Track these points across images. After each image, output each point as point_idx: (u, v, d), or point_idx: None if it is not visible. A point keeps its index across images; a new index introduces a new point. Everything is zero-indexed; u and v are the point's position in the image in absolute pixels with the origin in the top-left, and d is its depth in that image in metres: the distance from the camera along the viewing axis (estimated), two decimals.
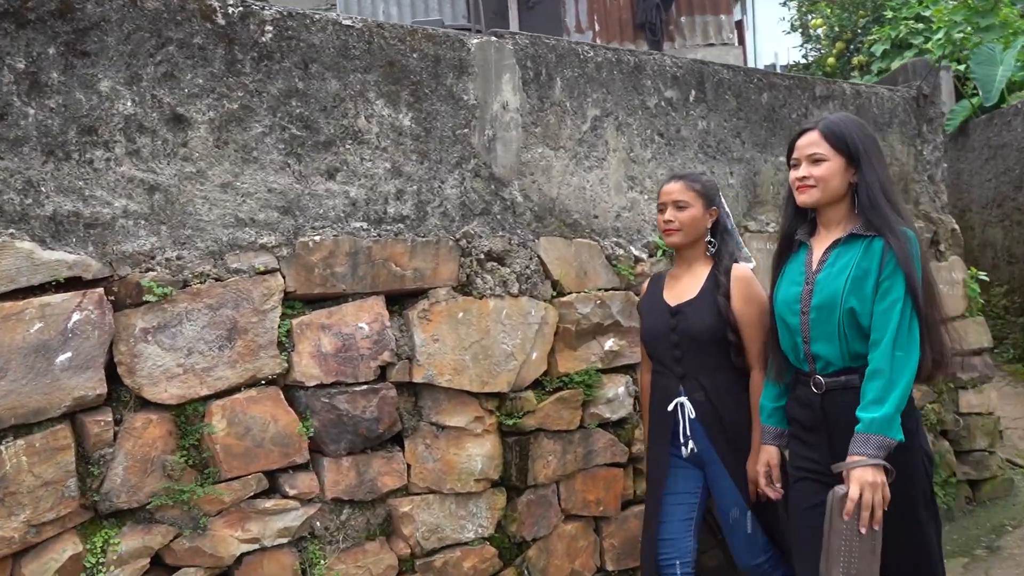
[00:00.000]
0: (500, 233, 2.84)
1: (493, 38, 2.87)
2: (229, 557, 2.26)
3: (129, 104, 2.22)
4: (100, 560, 2.09)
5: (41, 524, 2.03)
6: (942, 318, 1.93)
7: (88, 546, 2.10)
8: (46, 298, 2.07)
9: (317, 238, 2.47)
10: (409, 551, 2.58)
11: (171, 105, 2.27)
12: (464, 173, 2.80)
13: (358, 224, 2.58)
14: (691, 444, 2.41)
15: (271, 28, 2.44)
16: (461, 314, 2.70)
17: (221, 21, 2.36)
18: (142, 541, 2.15)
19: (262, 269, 2.37)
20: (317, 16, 2.54)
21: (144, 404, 2.20)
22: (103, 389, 2.13)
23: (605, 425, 3.03)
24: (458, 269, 2.73)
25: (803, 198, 2.01)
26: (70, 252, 2.12)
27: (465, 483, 2.68)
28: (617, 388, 3.06)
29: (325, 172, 2.52)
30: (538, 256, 2.90)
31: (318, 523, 2.44)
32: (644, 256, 3.21)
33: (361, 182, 2.59)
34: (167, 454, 2.21)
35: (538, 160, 2.96)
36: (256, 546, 2.31)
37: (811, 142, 1.97)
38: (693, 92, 3.45)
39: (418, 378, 2.61)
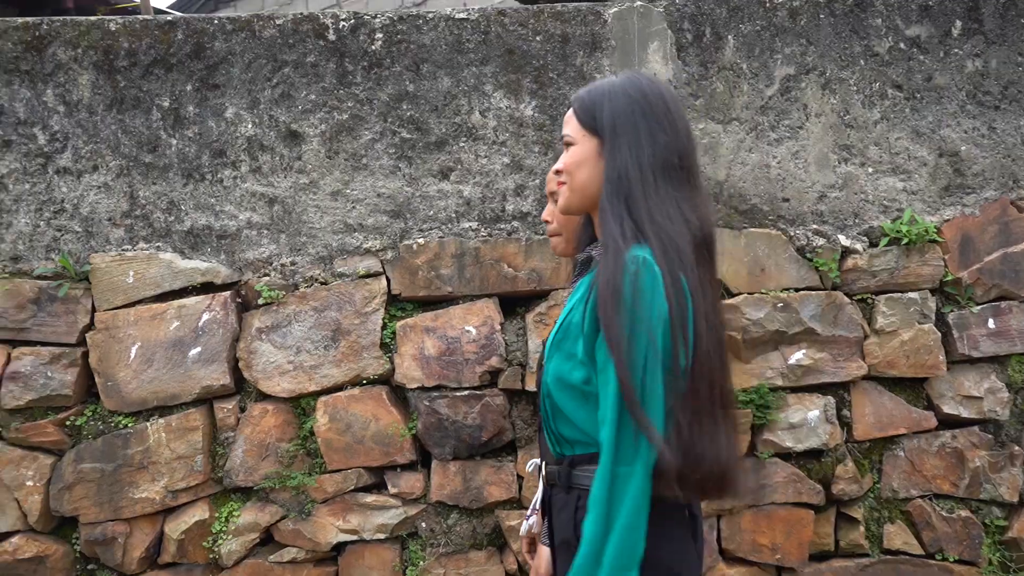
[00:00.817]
0: None
1: (637, 3, 2.52)
2: (327, 544, 2.41)
3: (250, 126, 2.47)
4: (223, 529, 2.41)
5: (177, 491, 2.41)
6: (716, 399, 1.16)
7: (216, 515, 2.43)
8: (183, 300, 2.43)
9: (421, 240, 2.46)
10: (517, 568, 2.45)
11: (286, 123, 2.47)
12: None
13: (468, 224, 2.50)
14: None
15: (381, 35, 2.48)
16: None
17: (332, 37, 2.48)
18: (255, 517, 2.42)
19: (364, 273, 2.45)
20: (429, 15, 2.51)
21: (262, 396, 2.46)
22: (227, 380, 2.43)
23: (787, 456, 2.49)
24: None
25: (559, 202, 1.35)
26: (204, 261, 2.46)
27: None
28: (807, 411, 2.49)
29: (437, 173, 2.50)
30: None
31: (423, 524, 2.46)
32: (860, 247, 2.53)
33: (476, 180, 2.50)
34: (280, 442, 2.43)
35: (699, 138, 2.52)
36: (355, 537, 2.42)
37: (566, 120, 1.32)
38: (958, 23, 2.58)
39: (530, 386, 2.45)
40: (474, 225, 2.50)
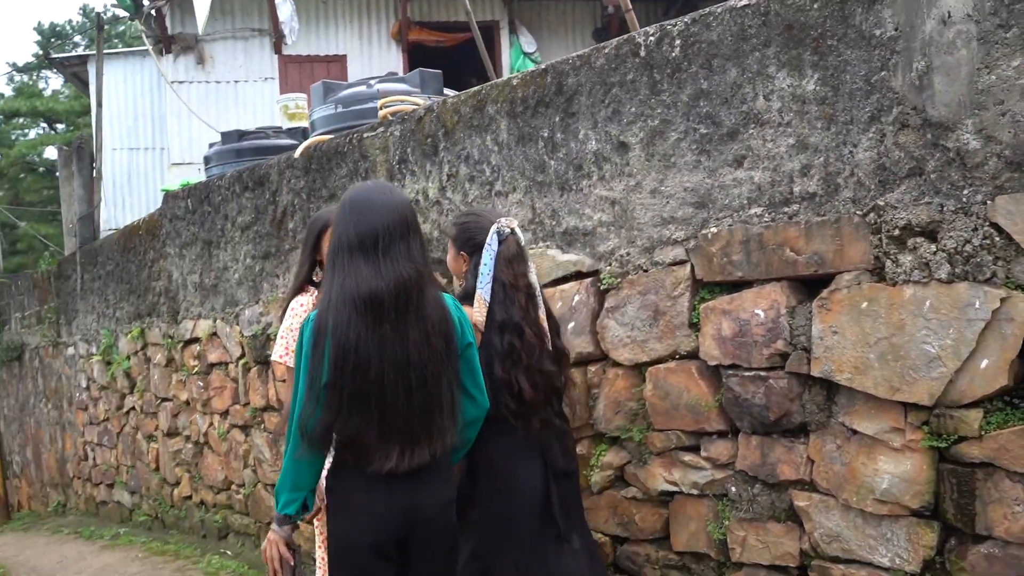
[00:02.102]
0: (926, 199, 2.15)
1: None
2: (655, 490, 2.86)
3: (594, 143, 3.01)
4: (595, 464, 3.09)
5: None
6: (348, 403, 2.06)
7: (593, 451, 3.12)
8: (563, 286, 3.17)
9: (714, 230, 2.64)
10: (810, 547, 2.47)
11: (616, 136, 2.93)
12: (883, 128, 2.25)
13: (754, 211, 2.55)
14: None
15: (679, 41, 2.71)
16: (865, 304, 2.28)
17: (643, 53, 2.82)
18: (611, 459, 3.02)
19: (671, 261, 2.76)
20: (717, 10, 2.61)
21: (614, 363, 3.02)
22: (592, 348, 3.07)
23: None
24: (868, 250, 2.28)
25: None
26: (575, 254, 3.14)
27: (862, 499, 2.30)
28: None
29: (732, 162, 2.61)
30: (991, 225, 2.03)
31: (732, 488, 2.68)
32: None
33: (764, 165, 2.53)
34: (628, 401, 2.97)
35: (1014, 79, 2.01)
36: (675, 488, 2.81)
37: None
38: None
39: (815, 371, 2.40)
40: (759, 211, 2.54)
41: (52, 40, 35.48)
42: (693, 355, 2.76)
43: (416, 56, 8.81)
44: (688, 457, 2.79)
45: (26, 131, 33.53)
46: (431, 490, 2.13)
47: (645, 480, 2.91)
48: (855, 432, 2.35)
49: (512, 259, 2.52)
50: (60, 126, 32.14)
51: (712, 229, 2.65)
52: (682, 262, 2.76)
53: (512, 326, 2.45)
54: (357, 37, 8.63)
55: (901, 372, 2.21)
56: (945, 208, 2.13)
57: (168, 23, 8.06)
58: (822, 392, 2.44)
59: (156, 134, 8.89)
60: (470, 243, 2.58)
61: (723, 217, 2.64)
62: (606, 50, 2.94)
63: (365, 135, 4.08)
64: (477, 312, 2.46)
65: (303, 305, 2.92)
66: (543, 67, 3.21)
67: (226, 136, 6.60)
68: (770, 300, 2.51)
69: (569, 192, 3.13)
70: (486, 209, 2.81)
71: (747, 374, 2.57)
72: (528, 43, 9.04)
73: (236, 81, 8.20)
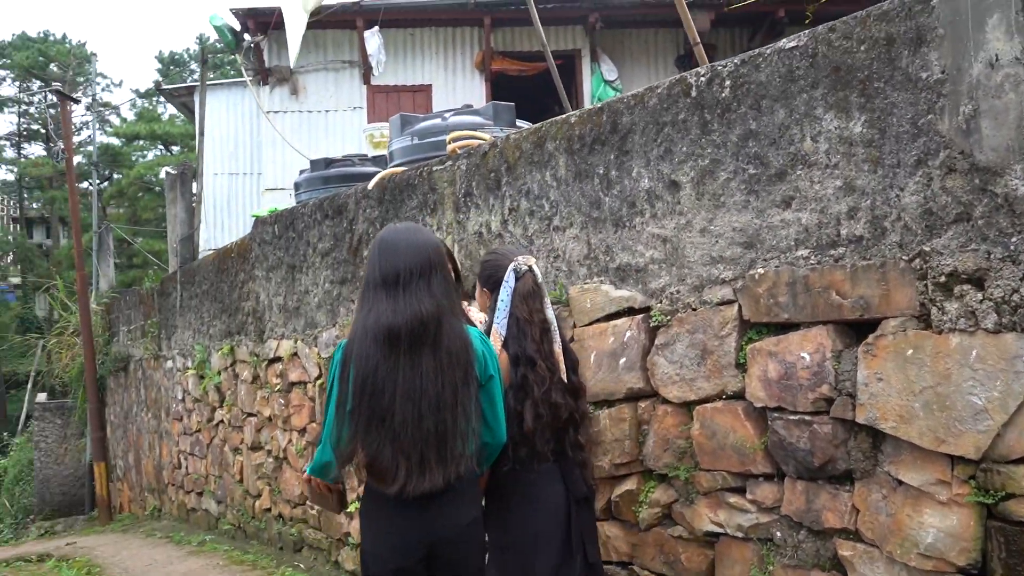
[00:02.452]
0: (973, 246, 2.09)
1: None
2: (699, 530, 2.84)
3: (646, 181, 3.04)
4: (643, 500, 3.09)
5: (617, 464, 3.20)
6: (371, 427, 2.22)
7: (642, 487, 3.13)
8: (616, 321, 3.20)
9: (761, 270, 2.62)
10: None
11: (668, 174, 2.95)
12: (929, 172, 2.20)
13: (800, 253, 2.52)
14: None
15: (728, 82, 2.72)
16: (910, 351, 2.22)
17: (694, 93, 2.84)
18: (659, 495, 3.02)
19: (719, 300, 2.76)
20: (766, 51, 2.61)
21: (663, 400, 3.02)
22: (642, 384, 3.09)
23: None
24: (914, 296, 2.23)
25: None
26: (627, 290, 3.16)
27: (906, 552, 2.23)
28: None
29: (780, 203, 2.60)
30: None
31: (777, 533, 2.64)
32: None
33: (812, 207, 2.51)
34: (677, 438, 2.97)
35: None
36: (721, 530, 2.78)
37: None
38: None
39: (860, 418, 2.35)
40: (805, 253, 2.51)
41: (171, 67, 37.77)
42: (740, 396, 2.74)
43: (499, 85, 9.01)
44: (734, 499, 2.76)
45: (145, 153, 35.74)
46: (450, 512, 2.25)
47: (691, 520, 2.90)
48: (901, 482, 2.29)
49: (528, 295, 2.63)
50: (175, 148, 34.12)
51: (759, 270, 2.64)
52: (730, 302, 2.75)
53: (525, 359, 2.57)
54: (442, 67, 8.89)
55: (947, 423, 2.14)
56: (992, 255, 2.06)
57: (265, 56, 8.54)
58: (868, 439, 2.39)
59: (253, 160, 9.39)
60: (491, 280, 2.71)
61: (770, 258, 2.63)
62: (659, 90, 2.97)
63: (434, 168, 4.22)
64: (493, 346, 2.57)
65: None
66: (599, 106, 3.26)
67: (314, 163, 6.91)
68: (816, 343, 2.48)
69: (623, 229, 3.16)
70: (508, 248, 2.95)
71: (792, 418, 2.54)
72: (609, 71, 9.09)
73: (327, 111, 8.60)
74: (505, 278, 2.66)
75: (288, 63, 8.24)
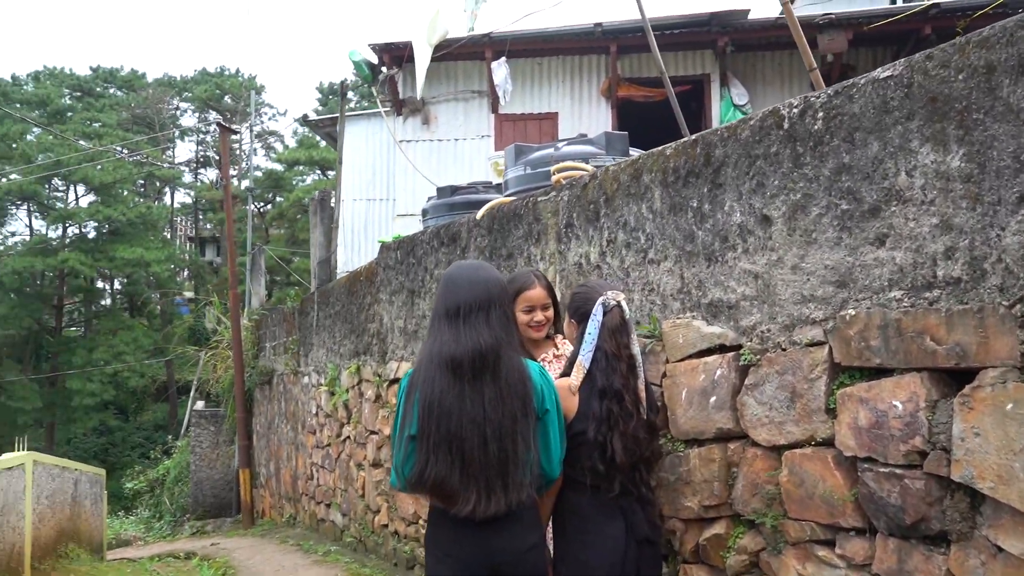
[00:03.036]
0: None
1: None
2: None
3: (738, 215, 2.95)
4: (731, 546, 2.98)
5: (706, 506, 3.10)
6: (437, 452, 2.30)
7: (730, 532, 3.01)
8: (707, 359, 3.11)
9: (852, 312, 2.48)
10: None
11: (760, 208, 2.86)
12: None
13: (893, 294, 2.37)
14: None
15: (821, 113, 2.61)
16: (1010, 405, 2.04)
17: (786, 125, 2.74)
18: (748, 542, 2.89)
19: (809, 341, 2.63)
20: (860, 81, 2.49)
21: (753, 443, 2.91)
22: (732, 424, 2.98)
23: None
24: (1015, 345, 2.04)
25: None
26: (719, 327, 3.08)
27: None
28: None
29: (874, 240, 2.46)
30: None
31: None
32: None
33: (906, 245, 2.36)
34: (766, 484, 2.84)
35: None
36: None
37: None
38: None
39: (955, 475, 2.17)
40: (899, 294, 2.36)
41: (329, 97, 40.18)
42: (829, 443, 2.59)
43: (625, 112, 8.98)
44: (823, 552, 2.61)
45: (304, 177, 38.16)
46: (511, 537, 2.30)
47: (779, 570, 2.76)
48: (1001, 549, 2.09)
49: (616, 330, 2.65)
50: (331, 173, 36.20)
51: (850, 311, 2.50)
52: (820, 343, 2.62)
53: (613, 393, 2.57)
54: (568, 95, 8.99)
55: None
56: None
57: (400, 88, 8.96)
58: (966, 499, 2.20)
59: (389, 187, 9.83)
60: (579, 312, 2.74)
61: (863, 298, 2.48)
62: (751, 122, 2.89)
63: (539, 199, 4.28)
64: (574, 377, 2.57)
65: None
66: (693, 138, 3.21)
67: (440, 191, 7.15)
68: (909, 392, 2.31)
69: (715, 263, 3.08)
70: (598, 281, 2.97)
71: (883, 470, 2.38)
72: (740, 95, 8.84)
73: (456, 139, 8.89)
74: (593, 311, 2.69)
75: (420, 95, 8.61)
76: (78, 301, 36.22)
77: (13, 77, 39.22)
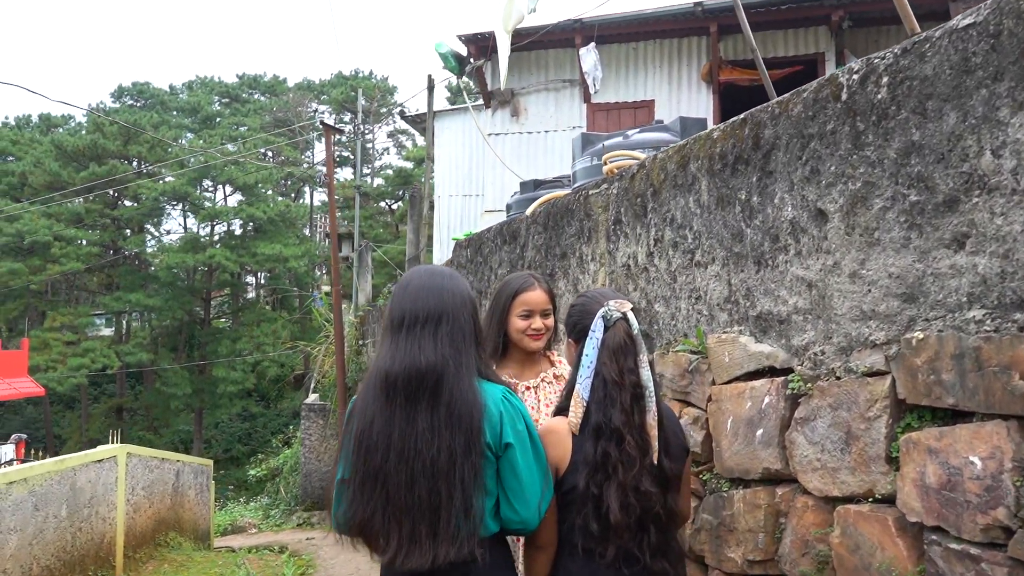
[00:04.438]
0: None
1: None
2: None
3: (790, 209, 2.40)
4: None
5: (748, 560, 2.57)
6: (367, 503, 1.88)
7: None
8: (754, 382, 2.58)
9: (920, 334, 1.91)
10: None
11: (813, 201, 2.30)
12: None
13: (973, 313, 1.78)
14: None
15: (886, 79, 2.04)
16: None
17: (844, 96, 2.18)
18: None
19: (867, 369, 2.06)
20: (935, 34, 1.90)
21: (804, 490, 2.35)
22: (780, 465, 2.44)
23: None
24: None
25: None
26: (768, 345, 2.53)
27: None
28: None
29: (950, 242, 1.88)
30: None
31: None
32: None
33: (991, 249, 1.76)
34: (818, 542, 2.29)
35: None
36: None
37: None
38: None
39: None
40: (980, 314, 1.77)
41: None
42: (891, 500, 2.02)
43: (728, 96, 8.24)
44: None
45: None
46: None
47: None
48: None
49: (617, 350, 2.02)
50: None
51: (918, 333, 1.92)
52: (881, 373, 2.05)
53: (609, 432, 1.97)
54: (666, 81, 8.33)
55: None
56: None
57: (488, 80, 8.61)
58: None
59: (483, 182, 9.53)
60: (576, 329, 2.16)
61: (934, 317, 1.90)
62: (805, 94, 2.33)
63: (591, 192, 3.82)
64: (572, 414, 2.04)
65: None
66: (742, 117, 2.67)
67: (524, 185, 6.78)
68: (990, 445, 1.73)
69: (764, 268, 2.54)
70: (601, 290, 2.29)
71: (955, 546, 1.80)
72: None
73: (546, 131, 8.44)
74: (592, 328, 2.13)
75: (508, 87, 8.24)
76: (225, 294, 38.46)
77: (170, 87, 42.18)
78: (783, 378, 2.44)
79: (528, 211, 4.26)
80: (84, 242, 33.30)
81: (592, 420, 2.03)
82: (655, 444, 2.02)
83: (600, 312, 2.11)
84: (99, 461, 6.56)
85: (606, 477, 1.98)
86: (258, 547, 9.43)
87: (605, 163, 3.81)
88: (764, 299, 2.55)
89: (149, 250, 36.29)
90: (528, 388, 2.54)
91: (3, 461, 16.75)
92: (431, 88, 9.79)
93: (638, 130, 4.72)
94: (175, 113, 39.56)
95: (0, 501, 5.02)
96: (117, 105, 39.71)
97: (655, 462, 2.02)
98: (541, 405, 2.52)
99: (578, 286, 3.95)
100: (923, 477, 1.89)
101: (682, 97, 8.33)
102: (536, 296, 2.53)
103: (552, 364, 2.65)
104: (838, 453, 2.18)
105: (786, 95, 2.44)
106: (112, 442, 10.63)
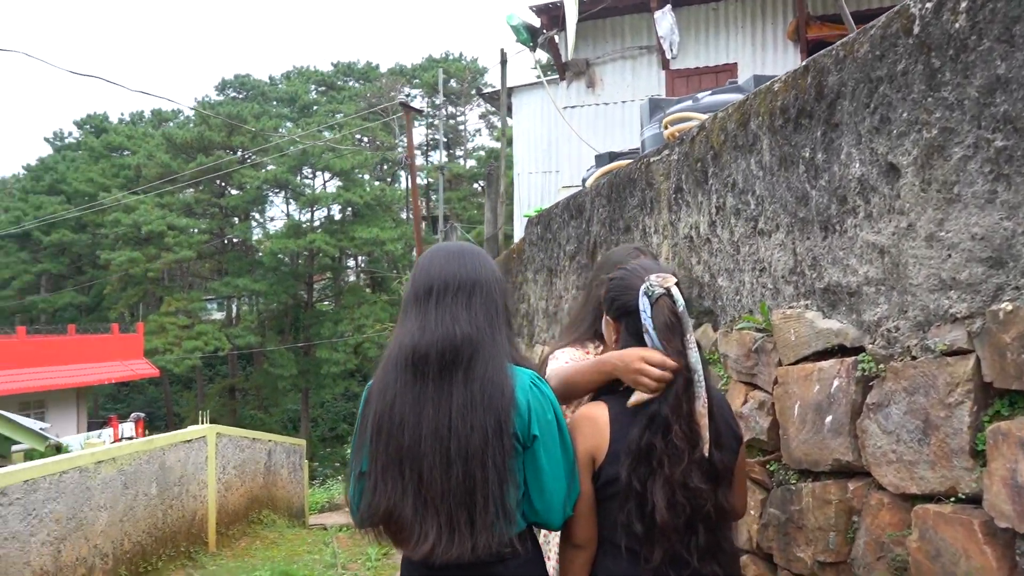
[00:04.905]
0: None
1: None
2: None
3: (857, 165, 2.10)
4: None
5: (819, 562, 2.30)
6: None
7: None
8: (822, 363, 2.29)
9: (1008, 306, 1.60)
10: None
11: (883, 155, 2.00)
12: None
13: None
14: None
15: (964, 3, 1.72)
16: None
17: (917, 29, 1.86)
18: None
19: (947, 348, 1.77)
20: None
21: (878, 485, 2.07)
22: (851, 456, 2.16)
23: None
24: None
25: None
26: (838, 321, 2.25)
27: None
28: None
29: None
30: None
31: None
32: None
33: None
34: (895, 545, 2.01)
35: None
36: None
37: None
38: None
39: None
40: None
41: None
42: (976, 500, 1.73)
43: None
44: None
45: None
46: None
47: None
48: None
49: (663, 330, 1.79)
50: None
51: (1006, 304, 1.62)
52: (963, 352, 1.75)
53: (656, 420, 1.76)
54: (749, 42, 7.79)
55: None
56: None
57: (561, 51, 8.30)
58: None
59: (559, 157, 9.23)
60: (615, 305, 1.92)
61: None
62: (872, 31, 2.02)
63: (651, 160, 3.56)
64: (635, 398, 1.81)
65: (568, 361, 2.48)
66: (804, 64, 2.36)
67: (599, 158, 6.52)
68: None
69: (832, 234, 2.25)
70: (643, 262, 2.01)
71: None
72: None
73: (623, 101, 8.06)
74: (641, 306, 1.93)
75: (584, 55, 7.94)
76: (327, 278, 39.60)
77: (270, 78, 43.52)
78: (854, 358, 2.15)
79: (588, 182, 4.03)
80: (195, 230, 34.89)
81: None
82: (705, 435, 1.79)
83: (642, 288, 1.87)
84: (188, 441, 6.76)
85: (650, 472, 1.76)
86: (349, 525, 9.58)
87: (665, 127, 3.53)
88: (832, 269, 2.26)
89: (255, 237, 37.74)
90: None
91: (123, 439, 17.79)
92: (504, 62, 9.58)
93: (709, 92, 4.39)
94: (275, 103, 40.80)
95: (89, 479, 5.21)
96: (221, 97, 41.29)
97: (705, 455, 1.80)
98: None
99: None
100: (1014, 475, 1.59)
101: (767, 58, 7.81)
102: None
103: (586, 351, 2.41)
104: (915, 444, 1.89)
105: (851, 36, 2.13)
106: (202, 422, 11.01)
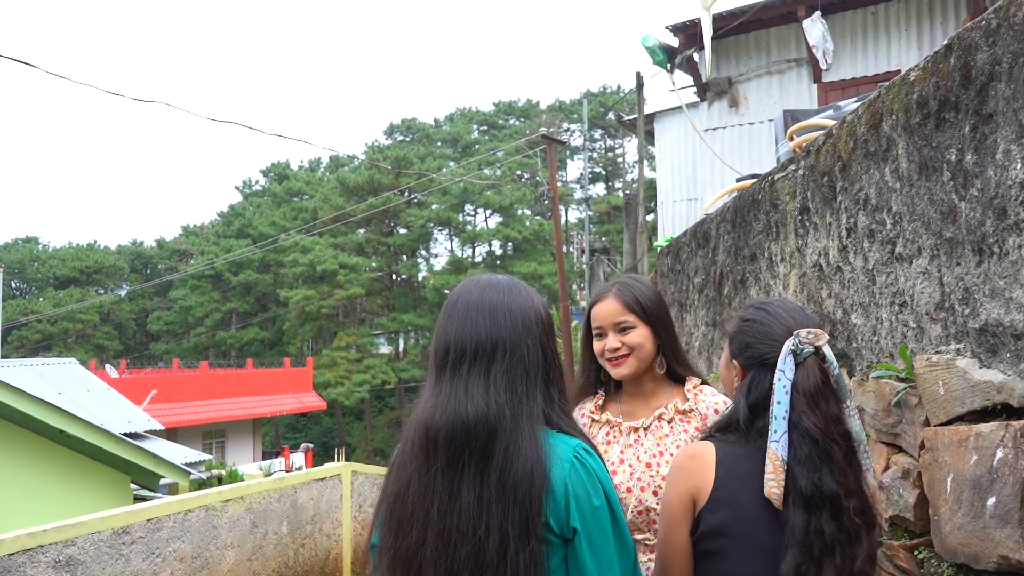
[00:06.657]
0: None
1: None
2: None
3: (1019, 166, 1.59)
4: None
5: None
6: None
7: None
8: (979, 427, 1.76)
9: None
10: None
11: None
12: None
13: None
14: None
15: None
16: None
17: None
18: None
19: None
20: None
21: None
22: (1021, 555, 1.62)
23: None
24: None
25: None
26: (999, 371, 1.71)
27: None
28: None
29: None
30: None
31: None
32: None
33: None
34: None
35: None
36: None
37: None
38: None
39: None
40: None
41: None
42: None
43: None
44: None
45: None
46: None
47: None
48: None
49: (816, 394, 1.37)
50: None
51: None
52: None
53: (825, 499, 1.34)
54: (915, 46, 6.89)
55: None
56: None
57: (701, 70, 7.75)
58: None
59: (702, 183, 8.62)
60: (747, 352, 1.50)
61: None
62: None
63: (777, 178, 3.08)
64: (772, 480, 1.40)
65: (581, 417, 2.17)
66: (946, 43, 1.86)
67: (740, 181, 6.00)
68: None
69: (988, 258, 1.73)
70: (786, 304, 1.56)
71: None
72: None
73: (770, 120, 7.36)
74: (780, 364, 1.48)
75: (727, 73, 7.40)
76: None
77: (435, 120, 45.33)
78: (1022, 422, 1.62)
79: (706, 207, 3.58)
80: (365, 268, 36.66)
81: (800, 485, 1.41)
82: (878, 510, 1.40)
83: (789, 344, 1.48)
84: (321, 479, 6.79)
85: (817, 564, 1.36)
86: None
87: (790, 139, 3.04)
88: (989, 304, 1.73)
89: (420, 274, 39.10)
90: (635, 429, 1.94)
91: (294, 468, 18.63)
92: (640, 86, 9.18)
93: (854, 100, 3.82)
94: (439, 144, 42.40)
95: (216, 518, 5.28)
96: (389, 141, 43.44)
97: (878, 538, 1.41)
98: (654, 448, 1.90)
99: (771, 295, 3.21)
100: None
101: None
102: (603, 308, 1.90)
103: (683, 396, 1.99)
104: None
105: (1003, 1, 1.63)
106: (338, 460, 11.16)
